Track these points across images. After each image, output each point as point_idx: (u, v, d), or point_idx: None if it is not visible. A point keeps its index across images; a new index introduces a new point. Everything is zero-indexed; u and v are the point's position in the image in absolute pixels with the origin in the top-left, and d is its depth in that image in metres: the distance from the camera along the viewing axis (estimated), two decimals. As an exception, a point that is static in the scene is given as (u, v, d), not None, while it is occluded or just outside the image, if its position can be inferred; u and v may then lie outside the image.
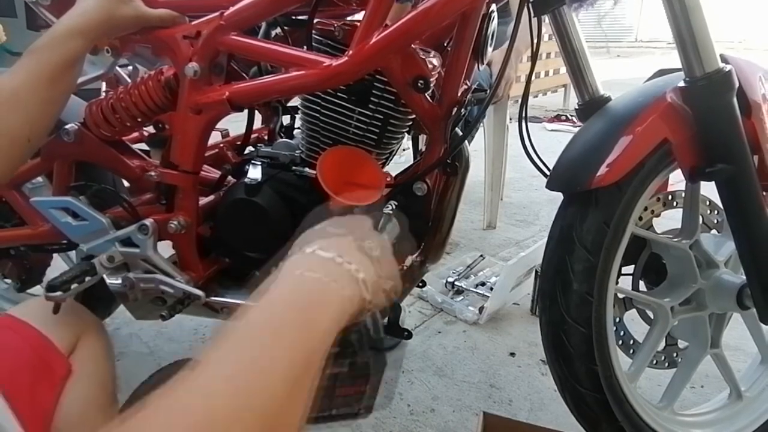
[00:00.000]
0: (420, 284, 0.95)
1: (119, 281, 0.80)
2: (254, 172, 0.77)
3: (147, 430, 0.27)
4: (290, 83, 0.67)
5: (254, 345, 0.33)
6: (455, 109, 0.71)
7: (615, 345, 0.81)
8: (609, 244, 0.74)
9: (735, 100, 0.66)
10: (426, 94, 0.69)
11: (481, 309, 1.35)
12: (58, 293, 0.70)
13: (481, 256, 1.64)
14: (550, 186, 0.76)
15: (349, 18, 0.82)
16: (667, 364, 0.91)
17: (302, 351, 0.35)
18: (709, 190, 0.78)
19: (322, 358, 0.36)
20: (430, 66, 0.72)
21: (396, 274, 0.48)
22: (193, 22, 0.74)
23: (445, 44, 0.83)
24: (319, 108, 0.75)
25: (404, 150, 2.07)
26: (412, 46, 0.66)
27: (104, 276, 0.80)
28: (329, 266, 0.41)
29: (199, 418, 0.28)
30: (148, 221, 0.78)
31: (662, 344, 0.87)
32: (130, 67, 1.05)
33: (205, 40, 0.70)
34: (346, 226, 0.48)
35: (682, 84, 0.67)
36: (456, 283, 1.49)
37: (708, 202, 0.85)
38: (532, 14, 0.76)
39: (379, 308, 0.45)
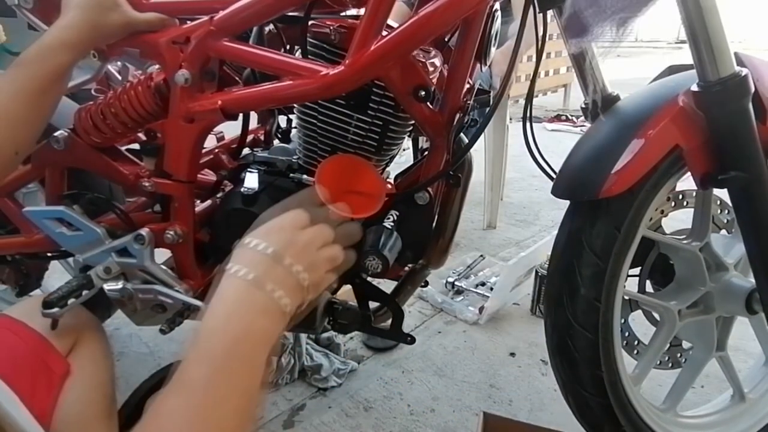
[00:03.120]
0: (422, 284, 0.93)
1: (118, 287, 0.79)
2: (251, 180, 0.75)
3: None
4: (285, 93, 0.64)
5: (208, 385, 0.40)
6: (458, 115, 0.69)
7: (621, 349, 0.80)
8: (619, 248, 0.73)
9: (750, 105, 0.63)
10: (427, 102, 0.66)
11: (481, 309, 1.34)
12: (55, 309, 0.69)
13: (481, 256, 1.63)
14: (556, 193, 0.73)
15: (347, 13, 0.78)
16: (670, 365, 0.90)
17: (248, 384, 0.42)
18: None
19: (261, 374, 0.43)
20: (431, 68, 0.69)
21: (323, 281, 0.52)
22: (183, 26, 0.70)
23: (447, 40, 0.79)
24: (316, 114, 0.72)
25: (404, 150, 2.05)
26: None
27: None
28: (250, 296, 0.45)
29: None
30: (144, 231, 0.76)
31: (666, 345, 0.87)
32: (120, 64, 1.02)
33: (195, 46, 0.67)
34: (270, 239, 0.50)
35: (695, 88, 0.64)
36: (456, 283, 1.48)
37: (719, 202, 0.83)
38: (537, 10, 0.72)
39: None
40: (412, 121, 0.72)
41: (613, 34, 0.59)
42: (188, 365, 0.41)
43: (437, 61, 0.71)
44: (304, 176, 0.75)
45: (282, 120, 0.94)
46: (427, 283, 0.96)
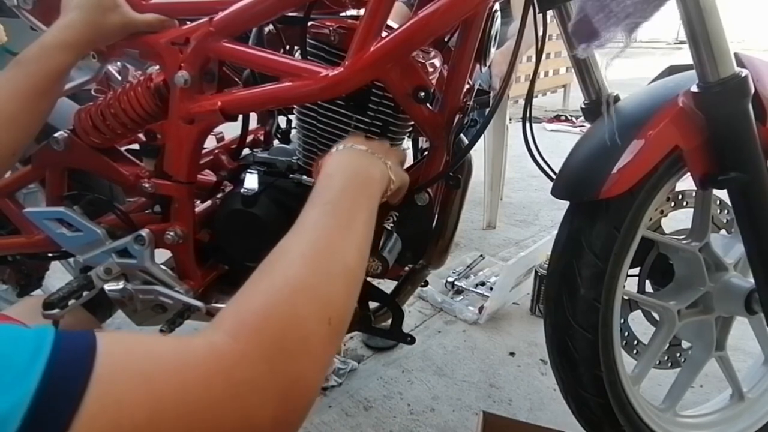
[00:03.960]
0: (422, 284, 0.93)
1: (119, 287, 0.79)
2: (250, 181, 0.75)
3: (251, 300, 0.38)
4: (285, 94, 0.64)
5: (318, 223, 0.45)
6: (458, 116, 0.69)
7: (620, 349, 0.80)
8: (619, 249, 0.73)
9: (750, 106, 0.63)
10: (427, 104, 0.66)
11: (480, 309, 1.34)
12: (56, 310, 0.69)
13: (481, 256, 1.63)
14: (556, 193, 0.73)
15: (347, 13, 0.78)
16: (670, 364, 0.90)
17: (369, 217, 0.48)
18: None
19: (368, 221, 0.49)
20: (430, 69, 0.69)
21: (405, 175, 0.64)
22: (183, 27, 0.70)
23: (446, 40, 0.79)
24: (315, 115, 0.72)
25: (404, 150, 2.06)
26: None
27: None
28: (365, 154, 0.56)
29: (303, 278, 0.39)
30: (144, 232, 0.76)
31: (666, 345, 0.87)
32: (120, 64, 1.01)
33: (194, 47, 0.67)
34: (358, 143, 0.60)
35: (695, 89, 0.64)
36: (456, 282, 1.48)
37: (718, 202, 0.83)
38: (537, 11, 0.72)
39: (396, 190, 0.60)
40: (412, 122, 0.72)
41: (621, 38, 0.58)
42: (304, 210, 0.47)
43: (437, 62, 0.71)
44: (304, 177, 0.75)
45: (282, 121, 0.94)
46: (427, 283, 0.96)
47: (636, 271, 0.84)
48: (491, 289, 1.40)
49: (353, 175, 0.52)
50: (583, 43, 0.61)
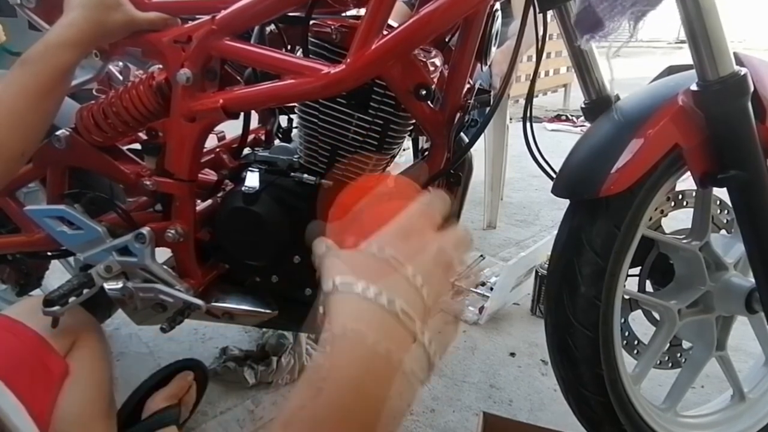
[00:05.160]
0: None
1: (119, 286, 0.79)
2: (252, 180, 0.75)
3: None
4: (287, 91, 0.64)
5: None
6: (458, 114, 0.69)
7: (621, 348, 0.80)
8: (619, 247, 0.73)
9: (749, 104, 0.64)
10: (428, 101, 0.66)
11: (481, 309, 1.34)
12: (56, 308, 0.69)
13: (481, 256, 1.63)
14: (556, 192, 0.74)
15: (348, 13, 0.78)
16: (670, 365, 0.90)
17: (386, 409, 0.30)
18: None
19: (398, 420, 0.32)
20: (431, 68, 0.69)
21: (448, 298, 0.38)
22: (185, 26, 0.71)
23: (447, 40, 0.80)
24: (317, 113, 0.72)
25: (404, 150, 2.06)
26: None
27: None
28: (382, 319, 0.32)
29: None
30: (145, 230, 0.76)
31: (666, 345, 0.87)
32: (122, 64, 1.02)
33: (197, 45, 0.67)
34: (385, 242, 0.34)
35: (694, 87, 0.65)
36: (456, 283, 1.47)
37: (718, 202, 0.83)
38: (537, 10, 0.73)
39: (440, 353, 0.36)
40: (413, 120, 0.73)
41: (627, 28, 0.57)
42: (297, 387, 0.31)
43: (438, 61, 0.72)
44: (305, 175, 0.75)
45: (283, 119, 0.95)
46: (427, 283, 0.96)
47: (636, 270, 0.85)
48: (491, 289, 1.40)
49: (365, 363, 0.31)
50: (587, 34, 0.61)
